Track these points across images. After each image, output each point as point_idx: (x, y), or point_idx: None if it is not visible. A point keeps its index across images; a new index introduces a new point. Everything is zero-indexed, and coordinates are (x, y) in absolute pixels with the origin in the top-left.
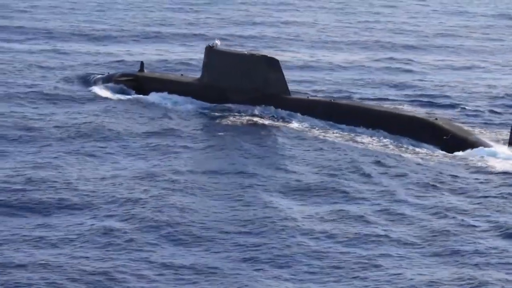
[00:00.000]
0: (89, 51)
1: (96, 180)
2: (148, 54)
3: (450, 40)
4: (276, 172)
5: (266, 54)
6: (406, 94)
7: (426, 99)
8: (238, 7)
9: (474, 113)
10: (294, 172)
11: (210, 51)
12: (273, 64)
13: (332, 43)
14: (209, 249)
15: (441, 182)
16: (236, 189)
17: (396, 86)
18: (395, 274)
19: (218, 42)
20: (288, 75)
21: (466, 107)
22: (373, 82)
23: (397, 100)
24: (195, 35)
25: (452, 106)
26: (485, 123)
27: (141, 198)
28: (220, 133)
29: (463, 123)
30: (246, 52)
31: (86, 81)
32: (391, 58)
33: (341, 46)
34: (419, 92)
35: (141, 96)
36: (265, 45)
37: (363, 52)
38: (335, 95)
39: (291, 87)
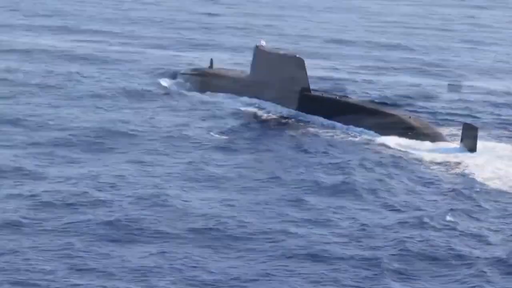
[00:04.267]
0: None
1: None
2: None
3: None
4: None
5: (296, 54)
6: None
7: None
8: None
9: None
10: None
11: (257, 50)
12: (300, 64)
13: None
14: None
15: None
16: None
17: None
18: None
19: (263, 42)
20: None
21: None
22: None
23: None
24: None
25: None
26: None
27: None
28: (242, 128)
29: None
30: (280, 52)
31: (173, 73)
32: None
33: None
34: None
35: (195, 90)
36: None
37: None
38: None
39: None
